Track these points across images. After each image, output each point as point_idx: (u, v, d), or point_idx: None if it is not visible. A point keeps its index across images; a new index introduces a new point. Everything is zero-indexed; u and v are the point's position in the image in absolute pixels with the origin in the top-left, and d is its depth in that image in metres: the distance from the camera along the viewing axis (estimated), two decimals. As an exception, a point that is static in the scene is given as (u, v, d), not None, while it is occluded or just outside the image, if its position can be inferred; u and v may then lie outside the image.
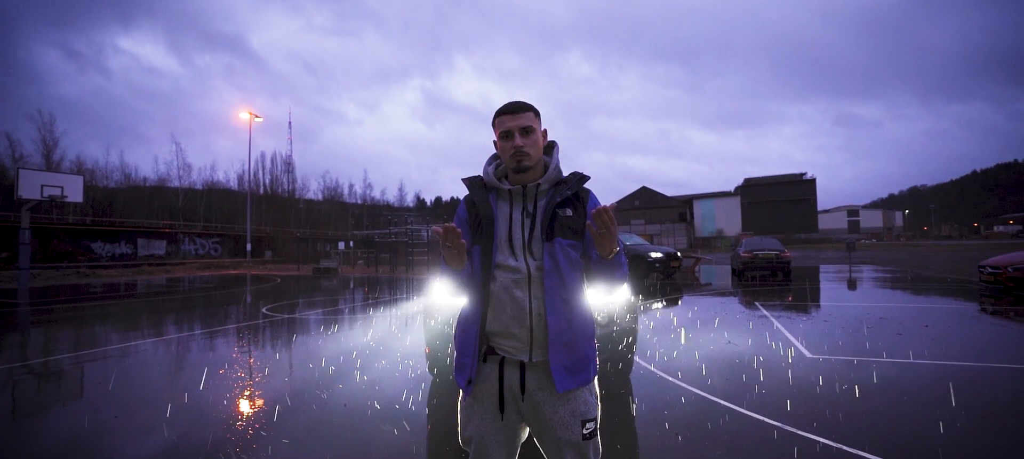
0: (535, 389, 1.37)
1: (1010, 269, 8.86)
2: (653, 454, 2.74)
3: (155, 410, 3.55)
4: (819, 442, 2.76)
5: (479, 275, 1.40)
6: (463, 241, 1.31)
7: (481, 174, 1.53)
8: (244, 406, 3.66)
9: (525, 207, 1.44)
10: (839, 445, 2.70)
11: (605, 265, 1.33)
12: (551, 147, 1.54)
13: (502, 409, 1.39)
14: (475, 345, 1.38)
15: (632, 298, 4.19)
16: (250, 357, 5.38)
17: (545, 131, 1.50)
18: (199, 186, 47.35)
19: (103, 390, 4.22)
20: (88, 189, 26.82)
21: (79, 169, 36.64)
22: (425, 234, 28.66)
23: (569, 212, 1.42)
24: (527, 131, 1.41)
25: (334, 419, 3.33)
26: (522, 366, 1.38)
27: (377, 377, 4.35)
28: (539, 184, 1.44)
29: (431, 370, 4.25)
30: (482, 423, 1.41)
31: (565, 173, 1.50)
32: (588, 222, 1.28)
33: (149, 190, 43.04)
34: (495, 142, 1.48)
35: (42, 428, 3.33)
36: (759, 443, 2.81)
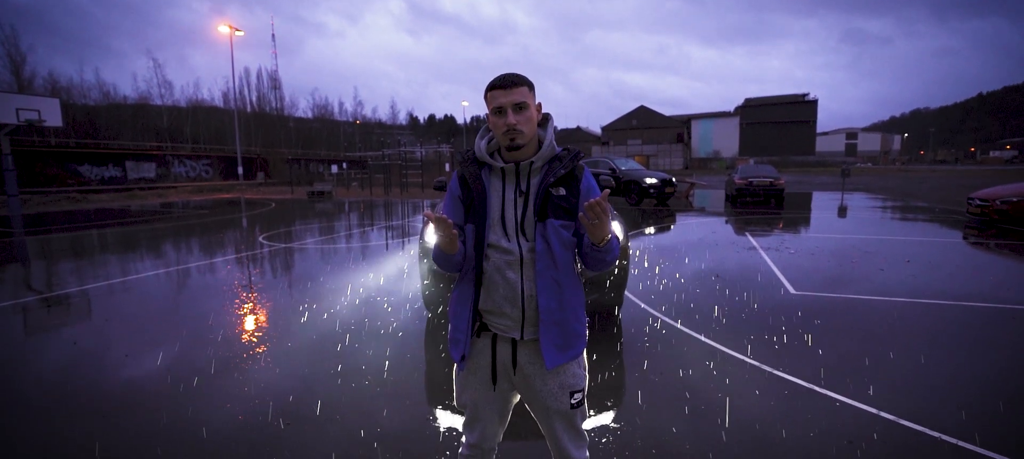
0: (526, 364, 1.44)
1: (998, 202, 8.98)
2: (635, 393, 2.92)
3: (161, 351, 3.70)
4: (795, 383, 2.96)
5: (472, 255, 1.41)
6: (455, 230, 1.31)
7: (473, 148, 1.49)
8: (243, 342, 3.81)
9: (518, 185, 1.42)
10: (810, 385, 2.90)
11: (596, 250, 1.34)
12: (545, 120, 1.49)
13: (495, 380, 1.47)
14: (468, 322, 1.43)
15: (624, 238, 4.25)
16: (250, 291, 5.51)
17: (540, 105, 1.44)
18: (183, 104, 45.58)
19: (112, 326, 4.36)
20: (67, 108, 25.80)
21: (53, 88, 34.92)
22: (419, 154, 28.34)
23: (562, 191, 1.40)
24: (520, 107, 1.36)
25: (333, 360, 3.49)
26: (514, 343, 1.43)
27: (375, 312, 4.50)
28: (532, 162, 1.41)
29: (428, 306, 4.40)
30: (476, 392, 1.49)
31: (557, 143, 1.48)
32: (580, 214, 1.27)
33: (131, 108, 41.39)
34: (487, 116, 1.43)
35: (51, 363, 3.48)
36: (740, 382, 3.00)
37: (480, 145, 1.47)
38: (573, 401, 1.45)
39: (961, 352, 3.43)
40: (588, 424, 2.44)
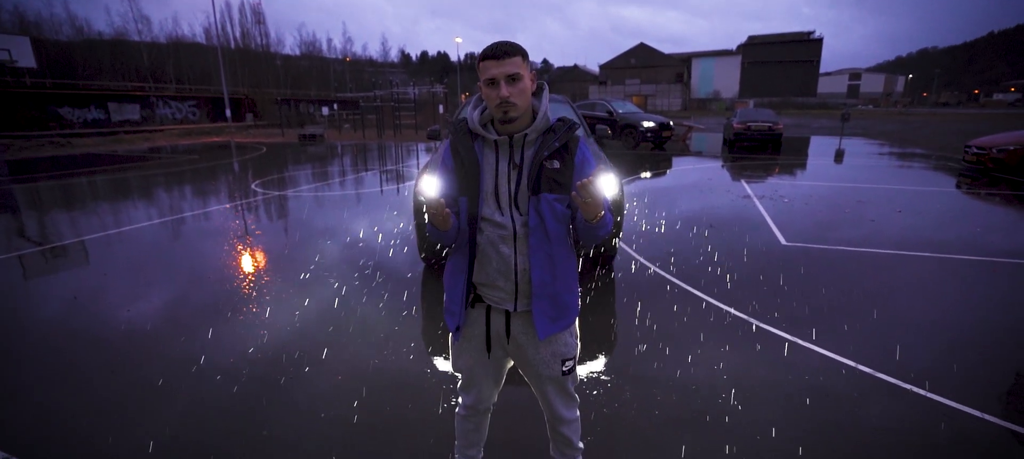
0: (520, 334, 1.48)
1: (994, 150, 8.96)
2: (625, 343, 3.04)
3: (160, 304, 3.76)
4: (780, 335, 3.07)
5: (466, 228, 1.42)
6: (448, 210, 1.31)
7: (466, 117, 1.46)
8: (242, 294, 3.87)
9: (512, 158, 1.40)
10: (794, 338, 3.01)
11: (589, 226, 1.35)
12: (539, 90, 1.44)
13: (489, 349, 1.52)
14: (462, 294, 1.46)
15: (619, 191, 4.25)
16: (245, 241, 5.53)
17: (534, 74, 1.40)
18: (163, 41, 43.53)
19: (111, 279, 4.40)
20: (38, 44, 24.58)
21: (22, 22, 33.13)
22: (413, 94, 27.53)
23: (557, 164, 1.39)
24: (514, 78, 1.32)
25: (331, 309, 3.57)
26: (507, 314, 1.47)
27: (372, 259, 4.55)
28: (526, 134, 1.38)
29: (423, 257, 4.45)
30: (471, 359, 1.55)
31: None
32: (573, 193, 1.27)
33: (108, 45, 39.43)
34: (480, 87, 1.39)
35: (51, 317, 3.54)
36: (726, 334, 3.11)
37: (473, 116, 1.43)
38: (564, 368, 1.52)
39: (943, 304, 3.55)
40: (580, 371, 2.55)
